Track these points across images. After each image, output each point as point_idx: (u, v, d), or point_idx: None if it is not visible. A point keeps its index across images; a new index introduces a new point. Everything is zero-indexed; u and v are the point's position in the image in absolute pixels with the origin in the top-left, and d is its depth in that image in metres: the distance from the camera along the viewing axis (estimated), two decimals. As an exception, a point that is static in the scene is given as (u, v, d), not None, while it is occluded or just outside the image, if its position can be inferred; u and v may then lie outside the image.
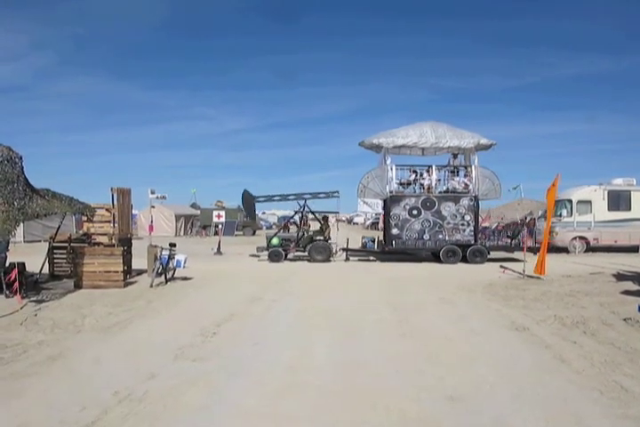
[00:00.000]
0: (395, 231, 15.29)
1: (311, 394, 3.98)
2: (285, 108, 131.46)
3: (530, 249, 13.10)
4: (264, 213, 48.78)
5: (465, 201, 15.32)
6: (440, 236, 15.26)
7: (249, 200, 16.91)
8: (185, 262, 11.02)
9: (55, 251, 11.18)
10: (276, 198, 16.78)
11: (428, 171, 15.88)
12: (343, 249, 16.28)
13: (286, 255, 15.79)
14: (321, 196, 16.32)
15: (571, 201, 18.69)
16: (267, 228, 38.88)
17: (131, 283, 10.39)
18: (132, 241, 12.16)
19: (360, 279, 11.62)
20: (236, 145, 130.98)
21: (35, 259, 10.97)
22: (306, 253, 15.84)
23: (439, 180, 15.90)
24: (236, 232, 31.82)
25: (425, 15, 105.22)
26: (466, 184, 15.66)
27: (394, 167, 15.79)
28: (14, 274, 8.11)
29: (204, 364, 4.81)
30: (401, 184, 15.88)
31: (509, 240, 16.74)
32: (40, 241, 19.93)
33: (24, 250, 15.34)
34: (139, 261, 11.77)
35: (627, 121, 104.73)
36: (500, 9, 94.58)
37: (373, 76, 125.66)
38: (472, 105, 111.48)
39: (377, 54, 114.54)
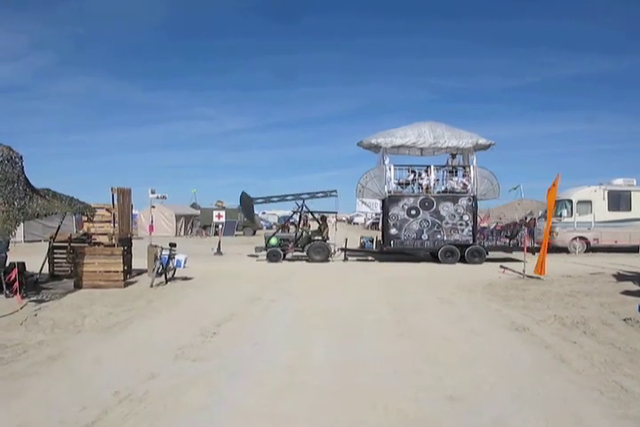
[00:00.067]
0: (393, 231, 15.29)
1: (310, 394, 3.99)
2: (285, 108, 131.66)
3: (529, 249, 13.10)
4: (264, 213, 48.76)
5: (463, 201, 15.33)
6: (438, 236, 15.26)
7: (247, 202, 16.90)
8: (185, 262, 11.03)
9: (55, 251, 11.18)
10: (274, 199, 16.79)
11: (426, 171, 15.88)
12: (342, 249, 16.29)
13: (285, 255, 15.79)
14: (319, 195, 16.32)
15: (571, 201, 18.70)
16: (267, 228, 38.86)
17: (131, 283, 10.39)
18: (132, 241, 12.17)
19: (358, 279, 11.62)
20: (236, 145, 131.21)
21: (35, 259, 10.97)
22: (304, 254, 15.86)
23: (438, 180, 15.90)
24: (236, 232, 31.80)
25: (425, 15, 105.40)
26: (464, 184, 15.66)
27: (392, 167, 15.79)
28: (14, 274, 8.12)
29: (204, 364, 4.81)
30: (399, 184, 15.88)
31: (508, 240, 16.76)
32: (40, 241, 19.94)
33: (24, 250, 15.33)
34: (139, 261, 11.77)
35: (627, 121, 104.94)
36: (500, 9, 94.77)
37: (373, 76, 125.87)
38: (472, 105, 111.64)
39: (377, 54, 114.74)
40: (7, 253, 8.92)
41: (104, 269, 9.82)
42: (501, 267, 13.68)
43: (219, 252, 18.19)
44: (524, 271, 11.49)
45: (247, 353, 5.19)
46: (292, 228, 18.90)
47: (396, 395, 3.96)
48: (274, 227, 36.92)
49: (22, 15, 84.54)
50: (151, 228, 16.66)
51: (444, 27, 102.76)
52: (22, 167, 8.38)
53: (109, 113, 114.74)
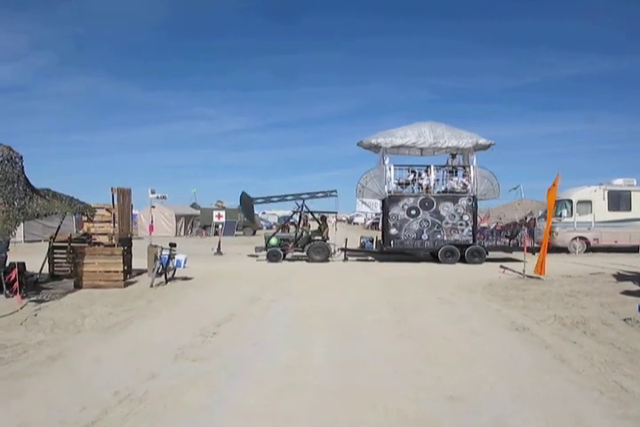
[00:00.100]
0: (393, 231, 15.29)
1: (310, 394, 3.99)
2: (285, 108, 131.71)
3: (529, 249, 13.11)
4: (264, 213, 48.79)
5: (463, 201, 15.33)
6: (438, 236, 15.26)
7: (247, 202, 16.89)
8: (185, 262, 11.03)
9: (55, 251, 11.18)
10: (274, 199, 16.78)
11: (426, 171, 15.88)
12: (341, 249, 16.29)
13: (284, 255, 15.79)
14: (319, 195, 16.31)
15: (571, 201, 18.70)
16: (267, 228, 38.88)
17: (131, 283, 10.39)
18: (132, 241, 12.17)
19: (358, 279, 11.62)
20: (236, 145, 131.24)
21: (35, 259, 10.97)
22: (304, 253, 15.86)
23: (437, 180, 15.91)
24: (236, 232, 31.80)
25: (425, 15, 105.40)
26: (464, 184, 15.67)
27: (392, 167, 15.79)
28: (14, 274, 8.12)
29: (204, 364, 4.81)
30: (399, 184, 15.88)
31: (508, 240, 16.76)
32: (40, 241, 19.94)
33: (24, 250, 15.33)
34: (139, 261, 11.77)
35: (627, 121, 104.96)
36: (500, 9, 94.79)
37: (373, 76, 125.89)
38: (472, 105, 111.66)
39: (377, 54, 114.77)
40: (7, 253, 8.92)
41: (104, 269, 9.82)
42: (501, 267, 13.68)
43: (219, 252, 18.19)
44: (524, 271, 11.49)
45: (247, 353, 5.19)
46: (292, 228, 18.90)
47: (396, 395, 3.95)
48: (274, 227, 36.95)
49: (22, 15, 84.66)
50: (151, 228, 16.66)
51: (444, 27, 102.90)
52: (22, 167, 8.38)
53: (109, 113, 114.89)
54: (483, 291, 9.54)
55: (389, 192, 15.50)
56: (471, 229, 15.28)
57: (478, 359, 4.98)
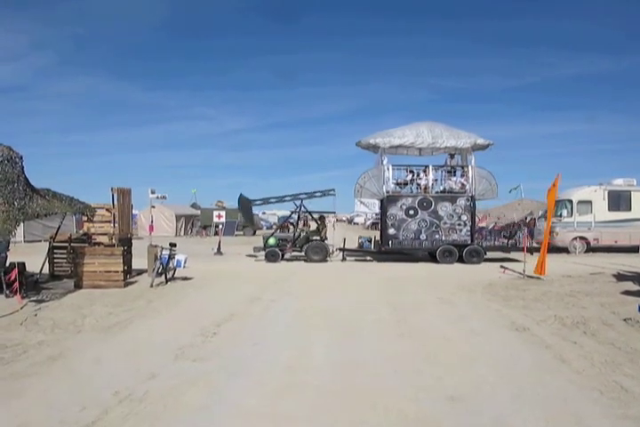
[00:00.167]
0: (391, 231, 15.29)
1: (310, 394, 3.99)
2: (285, 108, 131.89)
3: (527, 249, 13.11)
4: (264, 213, 48.80)
5: (462, 201, 15.33)
6: (437, 236, 15.26)
7: (245, 204, 16.85)
8: (185, 262, 11.03)
9: (55, 251, 11.18)
10: (272, 201, 16.74)
11: (424, 171, 15.88)
12: (340, 249, 16.28)
13: (283, 255, 15.79)
14: (317, 195, 16.28)
15: (571, 201, 18.70)
16: (267, 228, 38.89)
17: (131, 283, 10.39)
18: (133, 241, 12.17)
19: (357, 279, 11.62)
20: (236, 145, 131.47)
21: (35, 259, 10.97)
22: (302, 254, 15.85)
23: (436, 180, 15.91)
24: (236, 232, 31.79)
25: (425, 15, 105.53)
26: (462, 184, 15.66)
27: (390, 167, 15.78)
28: (14, 274, 8.11)
29: (204, 364, 4.81)
30: (398, 184, 15.88)
31: (506, 240, 16.75)
32: (40, 241, 19.92)
33: (24, 250, 15.32)
34: (139, 261, 11.77)
35: (627, 121, 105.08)
36: (500, 9, 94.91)
37: (373, 76, 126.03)
38: (472, 105, 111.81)
39: (377, 54, 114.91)
40: (7, 253, 8.92)
41: (104, 269, 9.82)
42: (501, 267, 13.68)
43: (219, 252, 18.19)
44: (524, 271, 11.49)
45: (247, 353, 5.19)
46: (291, 228, 18.90)
47: (396, 395, 3.96)
48: (274, 227, 36.93)
49: (22, 15, 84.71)
50: (151, 228, 16.66)
51: (444, 27, 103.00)
52: (22, 167, 8.38)
53: (109, 113, 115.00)
54: (483, 291, 9.54)
55: (388, 192, 15.49)
56: (469, 229, 15.28)
57: (478, 359, 4.98)
